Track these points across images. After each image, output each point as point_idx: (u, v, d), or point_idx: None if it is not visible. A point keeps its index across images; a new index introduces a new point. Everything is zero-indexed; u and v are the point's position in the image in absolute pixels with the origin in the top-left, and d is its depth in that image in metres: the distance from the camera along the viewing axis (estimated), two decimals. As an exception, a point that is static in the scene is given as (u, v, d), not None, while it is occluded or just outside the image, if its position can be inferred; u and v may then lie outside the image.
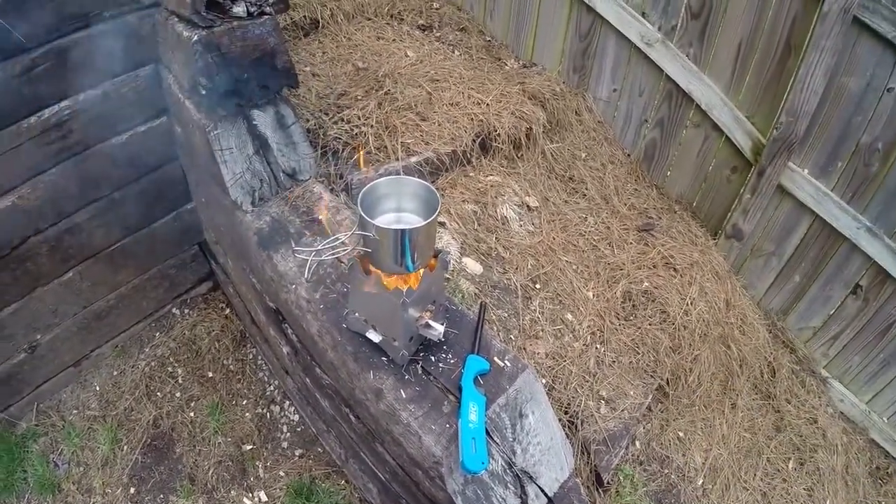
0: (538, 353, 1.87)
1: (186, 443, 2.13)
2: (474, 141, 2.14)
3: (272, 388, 2.30)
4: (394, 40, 2.55)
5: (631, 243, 2.36)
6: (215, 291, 2.50)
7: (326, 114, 2.00)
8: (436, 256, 1.21)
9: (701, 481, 2.06)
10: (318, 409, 1.96)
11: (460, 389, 1.20)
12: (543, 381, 1.82)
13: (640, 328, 2.10)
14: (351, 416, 1.63)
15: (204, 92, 1.45)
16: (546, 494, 1.29)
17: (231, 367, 2.33)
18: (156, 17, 1.60)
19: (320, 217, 1.56)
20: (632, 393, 1.95)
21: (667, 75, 2.45)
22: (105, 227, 1.92)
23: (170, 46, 1.57)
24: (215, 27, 1.42)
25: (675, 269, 2.32)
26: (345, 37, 2.49)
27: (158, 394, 2.22)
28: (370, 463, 1.73)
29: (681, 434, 2.12)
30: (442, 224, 1.95)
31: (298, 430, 2.21)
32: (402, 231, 1.07)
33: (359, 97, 2.09)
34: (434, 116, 2.12)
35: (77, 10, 1.48)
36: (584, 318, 2.02)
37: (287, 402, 2.26)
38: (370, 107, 2.03)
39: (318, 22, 2.50)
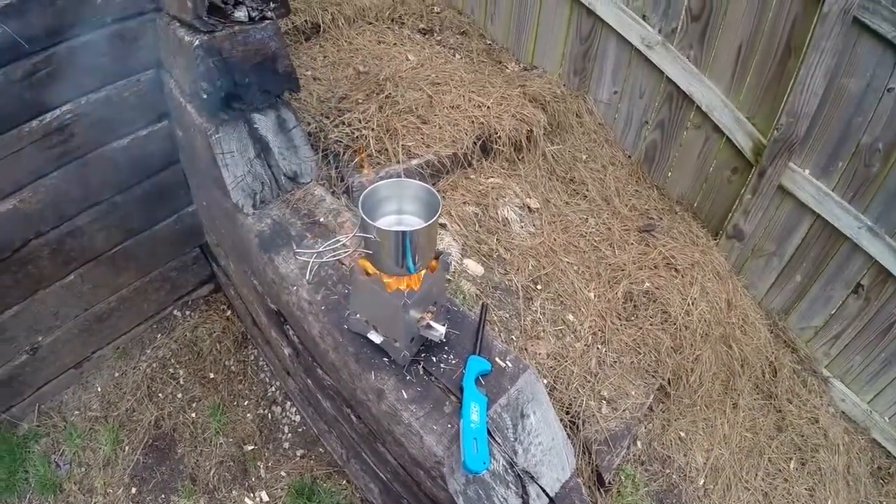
0: (539, 354, 1.87)
1: (188, 443, 2.14)
2: (475, 143, 2.14)
3: (273, 388, 2.31)
4: (395, 44, 2.56)
5: (632, 244, 2.36)
6: (216, 293, 2.51)
7: (327, 117, 2.01)
8: (437, 258, 1.21)
9: (702, 481, 2.06)
10: (319, 409, 1.97)
11: (462, 390, 1.20)
12: (545, 381, 1.82)
13: (641, 328, 2.10)
14: (352, 417, 1.64)
15: (205, 96, 1.46)
16: (547, 494, 1.29)
17: (232, 368, 2.33)
18: (157, 22, 1.61)
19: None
20: (633, 393, 1.95)
21: (667, 77, 2.45)
22: (106, 230, 1.92)
23: (171, 51, 1.57)
24: (217, 32, 1.42)
25: (676, 270, 2.32)
26: (346, 41, 2.49)
27: (160, 395, 2.23)
28: (372, 463, 1.73)
29: (682, 434, 2.12)
30: (443, 226, 1.95)
31: (300, 430, 2.21)
32: (403, 233, 1.08)
33: (360, 100, 2.09)
34: (435, 119, 2.12)
35: (79, 15, 1.48)
36: (586, 319, 2.02)
37: (288, 403, 2.27)
38: (371, 110, 2.03)
39: (320, 26, 2.50)
